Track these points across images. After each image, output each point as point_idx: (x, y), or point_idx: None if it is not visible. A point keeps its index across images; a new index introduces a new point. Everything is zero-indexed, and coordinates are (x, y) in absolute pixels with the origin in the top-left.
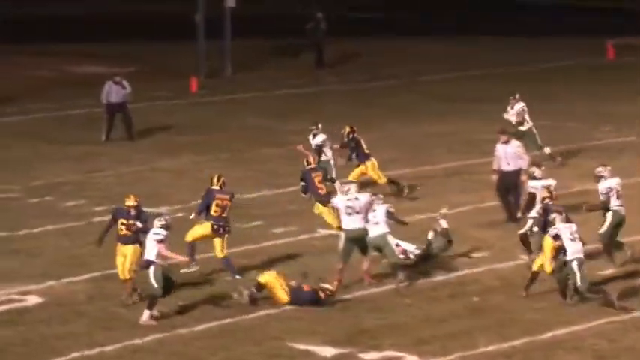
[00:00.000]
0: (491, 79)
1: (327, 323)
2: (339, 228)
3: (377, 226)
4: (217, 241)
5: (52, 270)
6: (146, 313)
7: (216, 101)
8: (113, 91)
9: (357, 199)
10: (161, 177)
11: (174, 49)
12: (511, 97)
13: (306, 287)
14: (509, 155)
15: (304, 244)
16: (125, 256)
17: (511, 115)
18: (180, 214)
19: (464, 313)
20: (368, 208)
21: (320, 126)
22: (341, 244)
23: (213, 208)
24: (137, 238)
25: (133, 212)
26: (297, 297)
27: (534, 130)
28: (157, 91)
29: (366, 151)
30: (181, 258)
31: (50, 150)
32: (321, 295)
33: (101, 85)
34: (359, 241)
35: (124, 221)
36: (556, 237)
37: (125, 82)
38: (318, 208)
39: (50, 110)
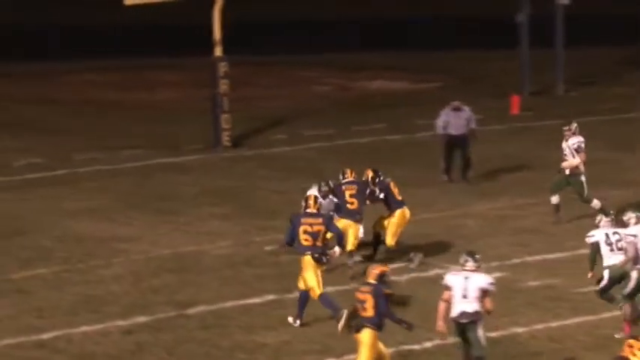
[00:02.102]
0: None
1: None
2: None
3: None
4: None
5: None
6: None
7: (545, 127)
8: (452, 121)
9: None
10: (474, 225)
11: (489, 59)
12: (565, 128)
13: None
14: None
15: None
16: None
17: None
18: (497, 274)
19: None
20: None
21: (332, 183)
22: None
23: (302, 236)
24: None
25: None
26: None
27: (582, 179)
28: None
29: (399, 197)
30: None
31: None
32: None
33: (396, 105)
34: (623, 279)
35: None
36: None
37: (466, 109)
38: (341, 224)
39: (330, 138)
